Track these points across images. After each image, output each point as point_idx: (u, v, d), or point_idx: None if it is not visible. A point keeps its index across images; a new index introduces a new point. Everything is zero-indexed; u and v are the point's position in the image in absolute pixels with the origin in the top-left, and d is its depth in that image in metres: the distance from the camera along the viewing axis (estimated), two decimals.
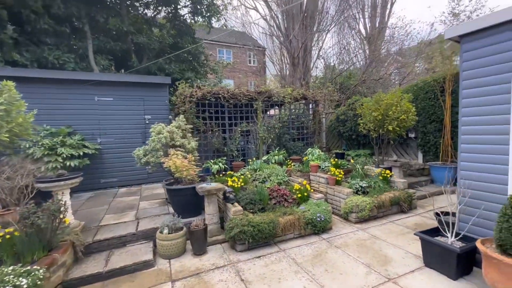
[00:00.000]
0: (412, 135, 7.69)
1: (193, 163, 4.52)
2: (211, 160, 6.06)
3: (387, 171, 5.52)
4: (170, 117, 6.57)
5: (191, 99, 6.50)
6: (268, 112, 10.00)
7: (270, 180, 5.23)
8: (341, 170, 5.64)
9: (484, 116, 2.93)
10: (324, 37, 14.62)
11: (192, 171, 4.41)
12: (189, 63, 12.20)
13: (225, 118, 7.36)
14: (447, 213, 3.91)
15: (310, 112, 8.76)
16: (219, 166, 5.80)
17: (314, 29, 14.11)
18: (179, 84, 6.52)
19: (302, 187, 4.67)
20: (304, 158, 6.67)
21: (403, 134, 6.10)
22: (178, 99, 6.48)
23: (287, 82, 14.74)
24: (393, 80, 12.11)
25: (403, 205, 5.01)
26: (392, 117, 5.77)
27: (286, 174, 5.42)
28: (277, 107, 8.48)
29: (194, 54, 12.20)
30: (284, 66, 16.70)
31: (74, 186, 3.78)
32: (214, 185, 4.05)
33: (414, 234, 3.22)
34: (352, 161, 6.64)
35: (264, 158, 6.56)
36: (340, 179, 5.30)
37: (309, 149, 7.20)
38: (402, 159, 8.18)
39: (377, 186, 5.26)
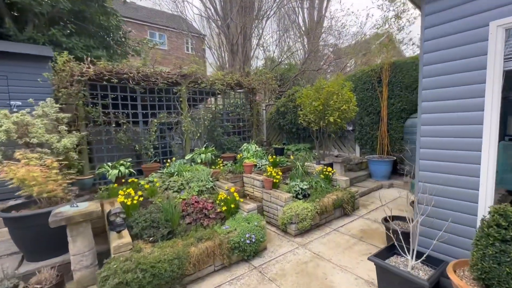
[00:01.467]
0: (350, 128, 7.41)
1: (55, 171, 2.89)
2: (108, 163, 4.39)
3: (329, 169, 4.85)
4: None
5: (80, 78, 4.64)
6: (207, 101, 8.55)
7: (189, 188, 3.93)
8: (280, 170, 4.75)
9: (450, 101, 2.24)
10: (264, 24, 13.78)
11: (53, 186, 2.79)
12: (100, 39, 9.77)
13: (138, 106, 5.68)
14: (395, 218, 3.32)
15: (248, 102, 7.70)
16: (121, 170, 4.20)
17: (254, 14, 13.13)
18: (58, 55, 4.57)
19: (229, 197, 3.53)
20: (238, 156, 5.57)
21: (344, 127, 5.55)
22: (57, 78, 4.54)
23: (226, 72, 13.48)
24: (331, 72, 12.08)
25: (347, 207, 4.38)
26: (333, 107, 5.12)
27: (211, 178, 4.20)
28: (213, 96, 7.14)
29: (107, 28, 9.80)
30: (222, 54, 15.35)
31: None
32: (82, 207, 2.55)
33: (368, 259, 2.42)
34: (292, 157, 5.86)
35: (188, 157, 5.20)
36: (278, 181, 4.37)
37: (244, 144, 6.14)
38: (341, 152, 7.89)
39: (318, 187, 4.52)
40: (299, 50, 13.74)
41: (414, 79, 5.71)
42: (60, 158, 3.18)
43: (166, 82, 5.60)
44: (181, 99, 5.85)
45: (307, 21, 14.62)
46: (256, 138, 7.64)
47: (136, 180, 4.01)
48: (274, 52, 14.71)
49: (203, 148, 5.33)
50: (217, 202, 3.53)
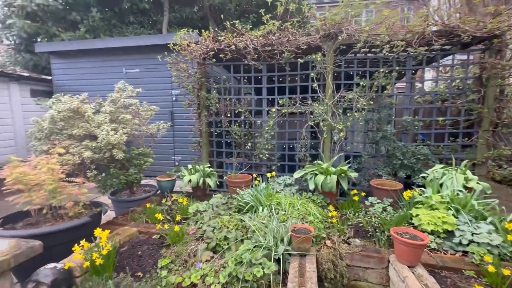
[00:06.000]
0: None
1: (57, 176, 2.12)
2: (188, 167, 3.32)
3: None
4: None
5: (199, 55, 3.88)
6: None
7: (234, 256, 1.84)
8: None
9: None
10: None
11: (71, 191, 2.02)
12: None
13: (263, 91, 4.19)
14: None
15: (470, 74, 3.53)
16: (192, 179, 2.99)
17: None
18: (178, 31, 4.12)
19: None
20: (406, 196, 2.36)
21: None
22: (178, 58, 4.06)
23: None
24: None
25: None
26: None
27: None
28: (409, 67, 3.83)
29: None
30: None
31: None
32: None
33: None
34: None
35: (297, 175, 2.92)
36: None
37: (436, 166, 2.67)
38: None
39: None
40: None
41: None
42: (98, 156, 2.49)
43: (294, 50, 3.60)
44: (312, 74, 3.55)
45: None
46: (485, 153, 3.43)
47: (148, 207, 2.54)
48: None
49: (325, 163, 2.79)
50: None
